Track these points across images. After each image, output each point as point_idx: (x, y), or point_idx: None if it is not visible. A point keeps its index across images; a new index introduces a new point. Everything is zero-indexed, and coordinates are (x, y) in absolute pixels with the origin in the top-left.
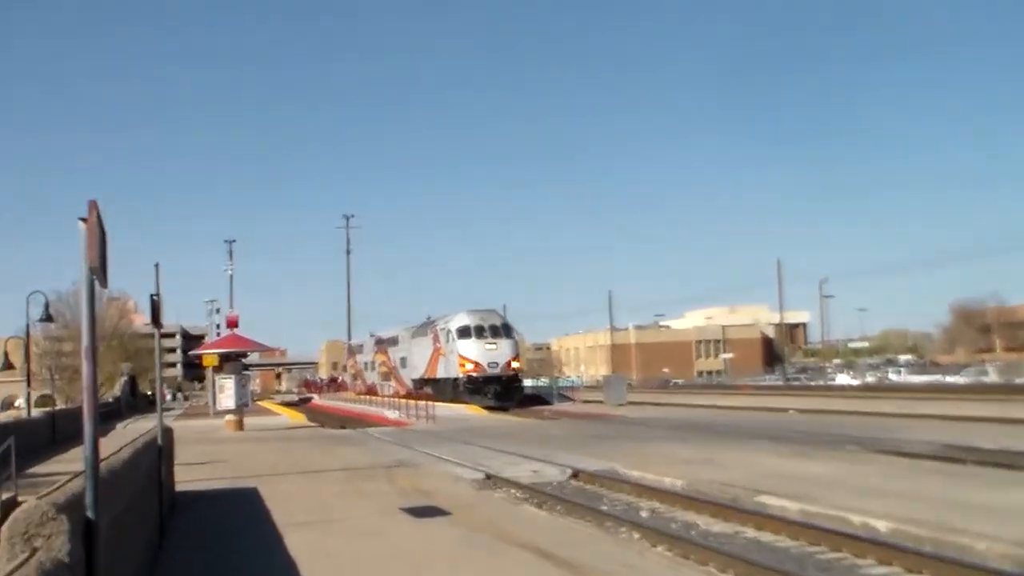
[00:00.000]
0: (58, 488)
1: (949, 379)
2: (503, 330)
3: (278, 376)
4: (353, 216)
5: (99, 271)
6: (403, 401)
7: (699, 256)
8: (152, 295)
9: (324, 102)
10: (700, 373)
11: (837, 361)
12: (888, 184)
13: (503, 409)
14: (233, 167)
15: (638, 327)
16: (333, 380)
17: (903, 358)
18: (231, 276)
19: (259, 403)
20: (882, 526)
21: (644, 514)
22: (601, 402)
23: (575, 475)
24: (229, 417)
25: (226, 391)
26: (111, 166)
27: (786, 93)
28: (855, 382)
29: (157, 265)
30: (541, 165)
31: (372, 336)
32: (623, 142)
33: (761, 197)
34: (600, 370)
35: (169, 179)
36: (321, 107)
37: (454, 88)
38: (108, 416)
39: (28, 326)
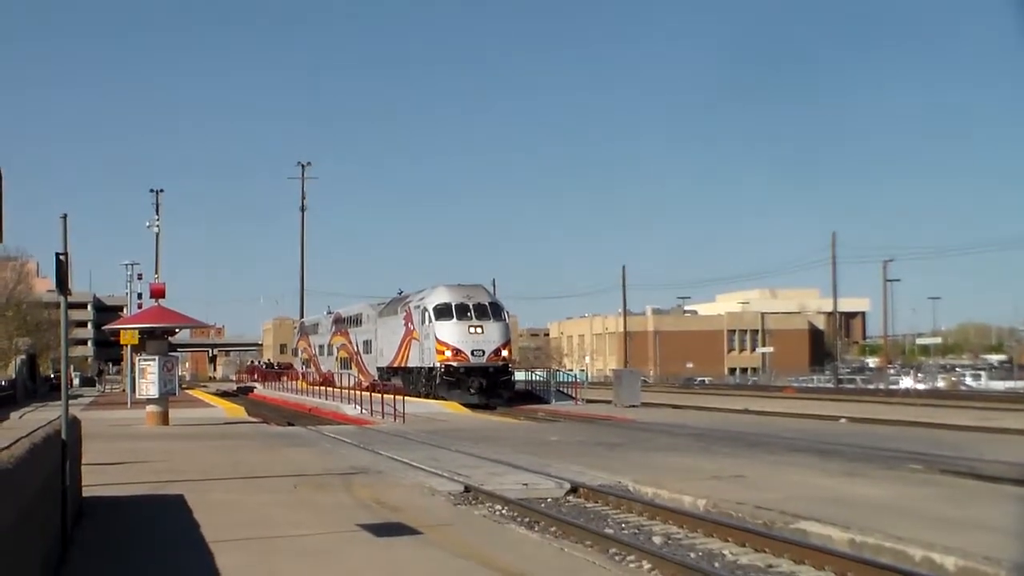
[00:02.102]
0: None
1: None
2: (492, 310)
3: (212, 360)
4: (309, 164)
5: None
6: (366, 394)
7: (734, 229)
8: (58, 254)
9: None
10: (732, 370)
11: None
12: (964, 150)
13: (488, 407)
14: (159, 108)
15: (657, 312)
16: (281, 366)
17: (994, 358)
18: (157, 234)
19: (188, 392)
20: (949, 563)
21: (658, 540)
22: (609, 402)
23: (574, 490)
24: (151, 408)
25: (148, 376)
26: (7, 95)
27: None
28: (922, 387)
29: (65, 217)
30: (538, 118)
31: (330, 314)
32: (642, 93)
33: (811, 161)
34: (609, 363)
35: (83, 117)
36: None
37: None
38: (0, 403)
39: None
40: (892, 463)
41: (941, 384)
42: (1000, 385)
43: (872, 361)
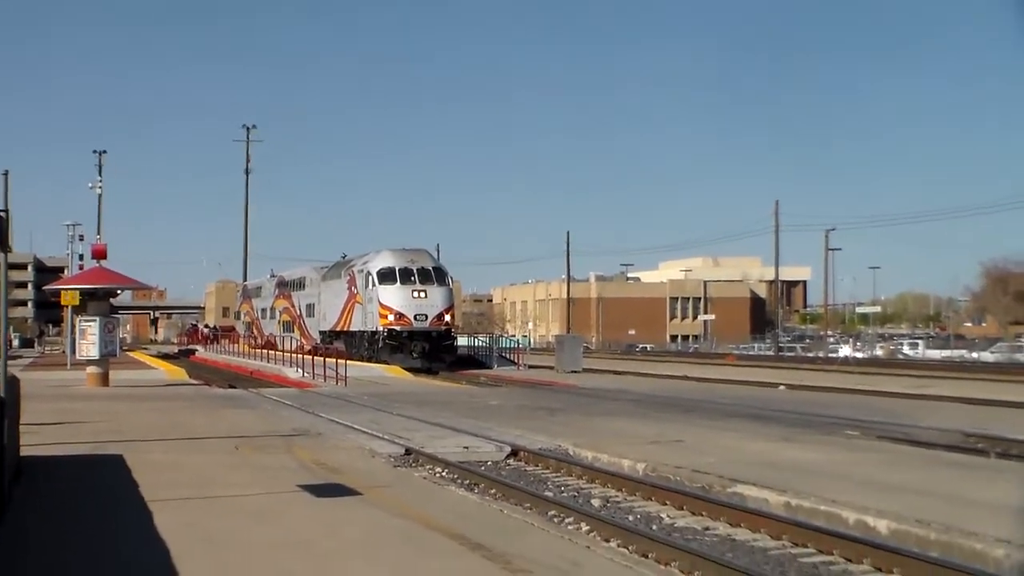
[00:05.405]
0: None
1: (975, 355)
2: (435, 275)
3: (154, 322)
4: (255, 127)
5: None
6: (308, 358)
7: (678, 197)
8: None
9: None
10: (674, 338)
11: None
12: (907, 120)
13: (431, 372)
14: (109, 67)
15: (601, 279)
16: (222, 329)
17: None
18: (100, 195)
19: (130, 354)
20: (882, 526)
21: (596, 502)
22: (552, 368)
23: (514, 453)
24: (91, 369)
25: (88, 337)
26: None
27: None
28: (861, 355)
29: (6, 173)
30: (483, 82)
31: (273, 277)
32: (587, 59)
33: (754, 130)
34: (552, 329)
35: (23, 72)
36: None
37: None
38: None
39: None
40: (829, 429)
41: (879, 353)
42: (937, 354)
43: (783, 325)
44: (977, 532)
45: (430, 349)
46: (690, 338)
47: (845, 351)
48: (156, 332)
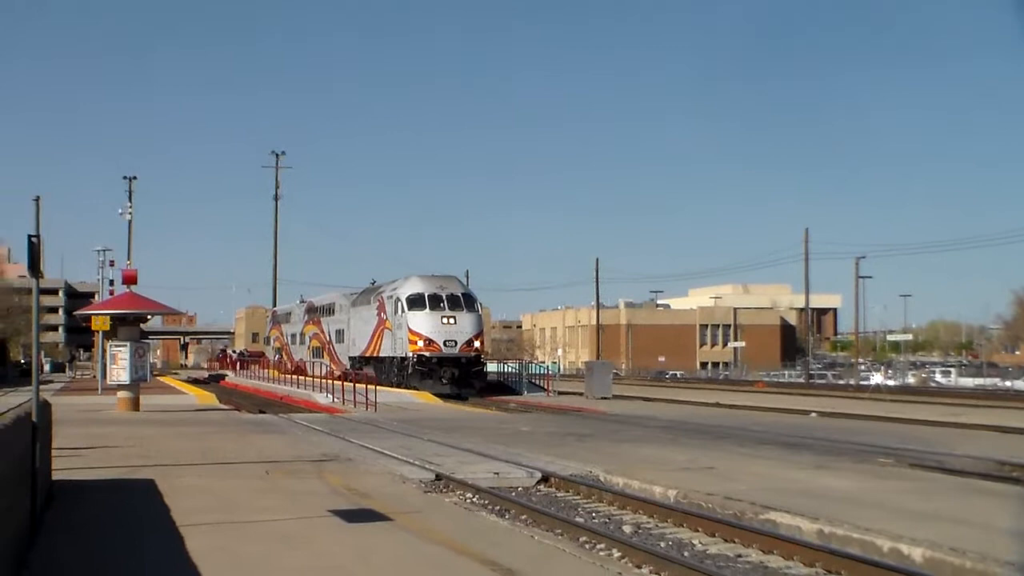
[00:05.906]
0: None
1: (1009, 384)
2: (464, 301)
3: (184, 347)
4: (284, 154)
5: None
6: (338, 383)
7: (707, 224)
8: (31, 236)
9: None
10: (704, 364)
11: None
12: (938, 146)
13: (460, 398)
14: (137, 95)
15: (630, 305)
16: (252, 355)
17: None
18: (130, 221)
19: (160, 379)
20: (917, 554)
21: (628, 529)
22: (581, 394)
23: (545, 479)
24: (122, 394)
25: (119, 362)
26: None
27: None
28: (892, 383)
29: (38, 200)
30: (514, 109)
31: (303, 303)
32: (617, 86)
33: (784, 157)
34: (582, 356)
35: (56, 95)
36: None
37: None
38: None
39: None
40: (862, 457)
41: (911, 380)
42: (969, 382)
43: (813, 353)
44: (1013, 562)
45: (460, 375)
46: (720, 365)
47: (877, 379)
48: (186, 357)
